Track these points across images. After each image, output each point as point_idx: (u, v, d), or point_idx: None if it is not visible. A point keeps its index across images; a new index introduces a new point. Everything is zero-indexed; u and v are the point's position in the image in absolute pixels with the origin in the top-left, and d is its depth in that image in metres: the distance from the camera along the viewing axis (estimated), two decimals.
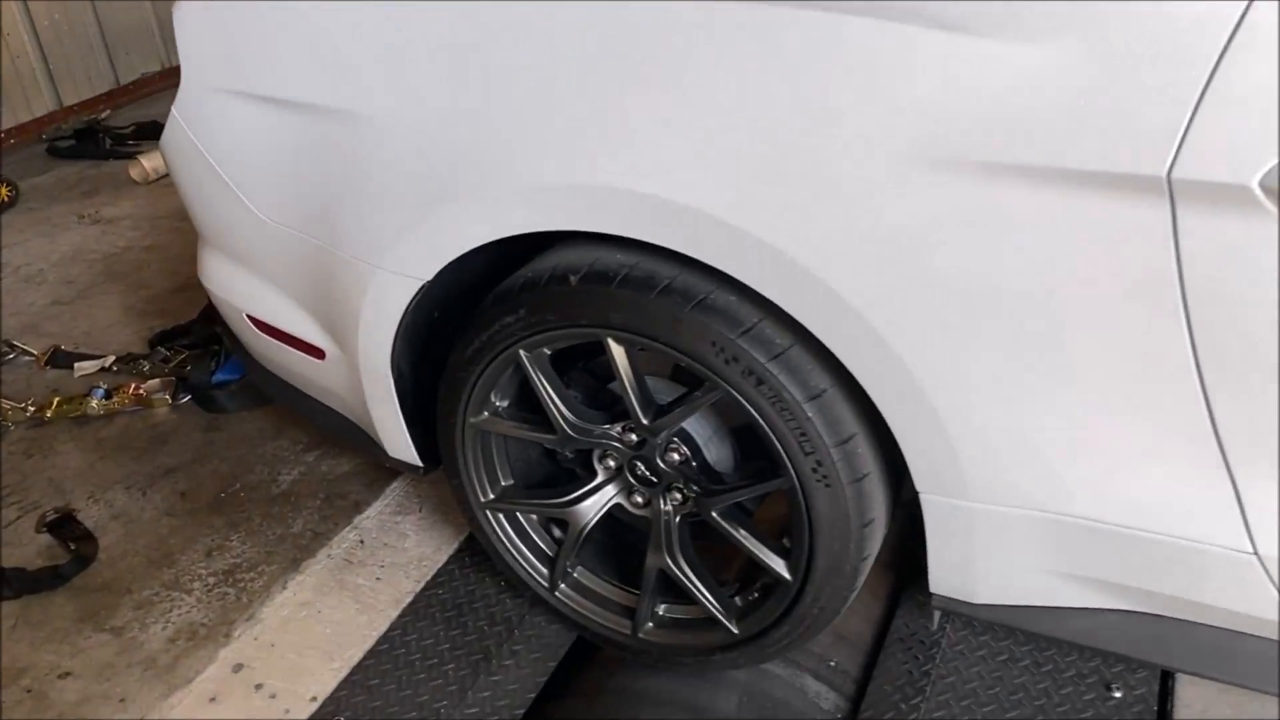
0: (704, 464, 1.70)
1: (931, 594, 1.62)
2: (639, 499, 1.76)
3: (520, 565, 1.89)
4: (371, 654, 1.98)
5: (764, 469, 1.61)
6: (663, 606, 1.83)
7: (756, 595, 1.71)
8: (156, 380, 2.82)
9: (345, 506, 2.36)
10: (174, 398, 2.77)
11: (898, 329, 1.35)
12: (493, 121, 1.47)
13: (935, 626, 1.93)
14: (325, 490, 2.41)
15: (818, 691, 1.83)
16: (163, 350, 2.94)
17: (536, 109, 1.42)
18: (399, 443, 1.95)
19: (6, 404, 2.73)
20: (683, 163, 1.35)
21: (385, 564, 2.19)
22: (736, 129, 1.30)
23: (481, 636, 2.00)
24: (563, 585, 1.88)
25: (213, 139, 1.88)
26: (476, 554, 2.19)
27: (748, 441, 1.73)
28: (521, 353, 1.65)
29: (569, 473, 1.92)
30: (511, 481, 1.86)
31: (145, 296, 3.38)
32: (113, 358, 2.97)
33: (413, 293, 1.69)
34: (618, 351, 1.58)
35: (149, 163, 4.31)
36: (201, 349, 2.93)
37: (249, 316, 2.07)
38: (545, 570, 1.89)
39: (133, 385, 2.79)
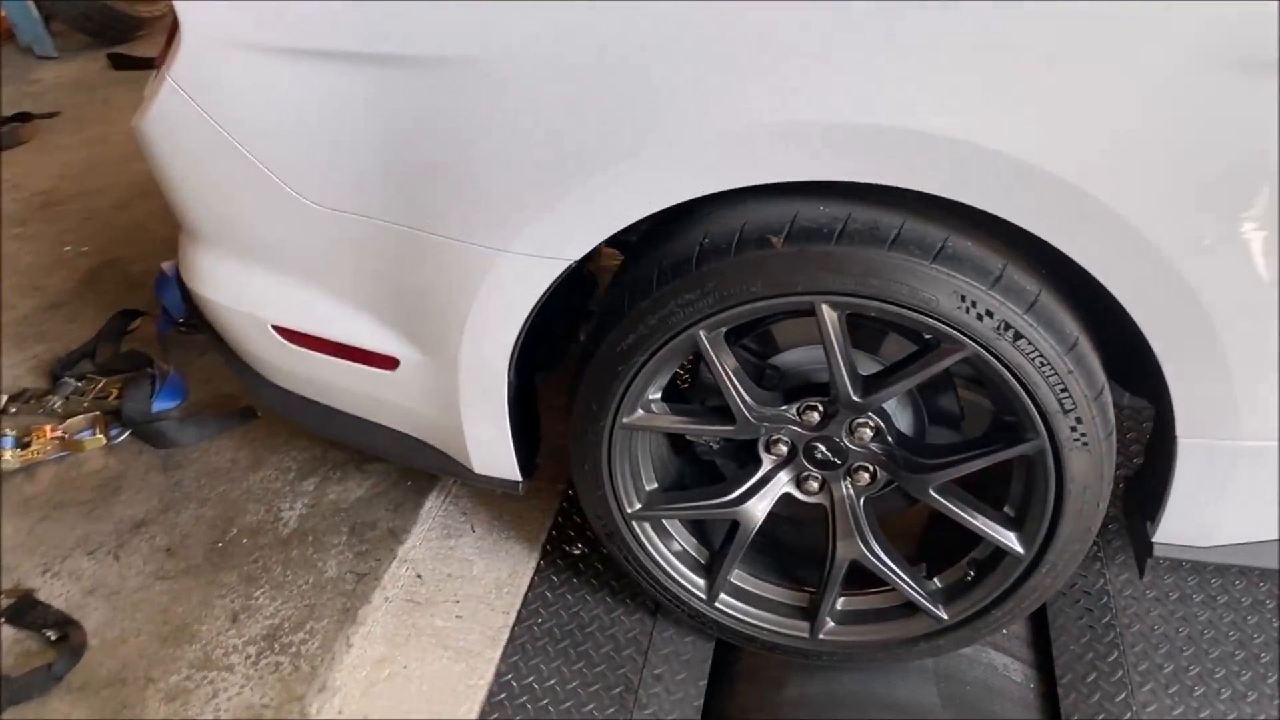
0: (900, 436, 1.50)
1: (1154, 543, 1.50)
2: (813, 485, 1.55)
3: (672, 579, 1.64)
4: (491, 707, 1.68)
5: (995, 434, 1.43)
6: (840, 600, 1.63)
7: (971, 575, 1.53)
8: (79, 417, 2.34)
9: (379, 537, 2.01)
10: (107, 436, 2.30)
11: (1197, 262, 1.20)
12: (705, 54, 1.19)
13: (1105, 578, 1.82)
14: (346, 521, 2.06)
15: (1005, 664, 1.69)
16: (72, 381, 2.44)
17: (772, 34, 1.16)
18: (498, 457, 1.65)
19: None
20: (957, 93, 1.14)
21: (460, 598, 1.88)
22: (1016, 47, 1.10)
23: (613, 665, 1.73)
24: (722, 594, 1.64)
25: (233, 110, 1.50)
26: (562, 571, 1.92)
27: (932, 406, 1.55)
28: (701, 334, 1.39)
29: (705, 468, 1.68)
30: (655, 485, 1.61)
31: (8, 319, 2.82)
32: (4, 397, 2.44)
33: (553, 277, 1.41)
34: (831, 320, 1.35)
35: None
36: (125, 373, 2.45)
37: (276, 328, 1.69)
38: (702, 580, 1.65)
39: (48, 427, 2.30)
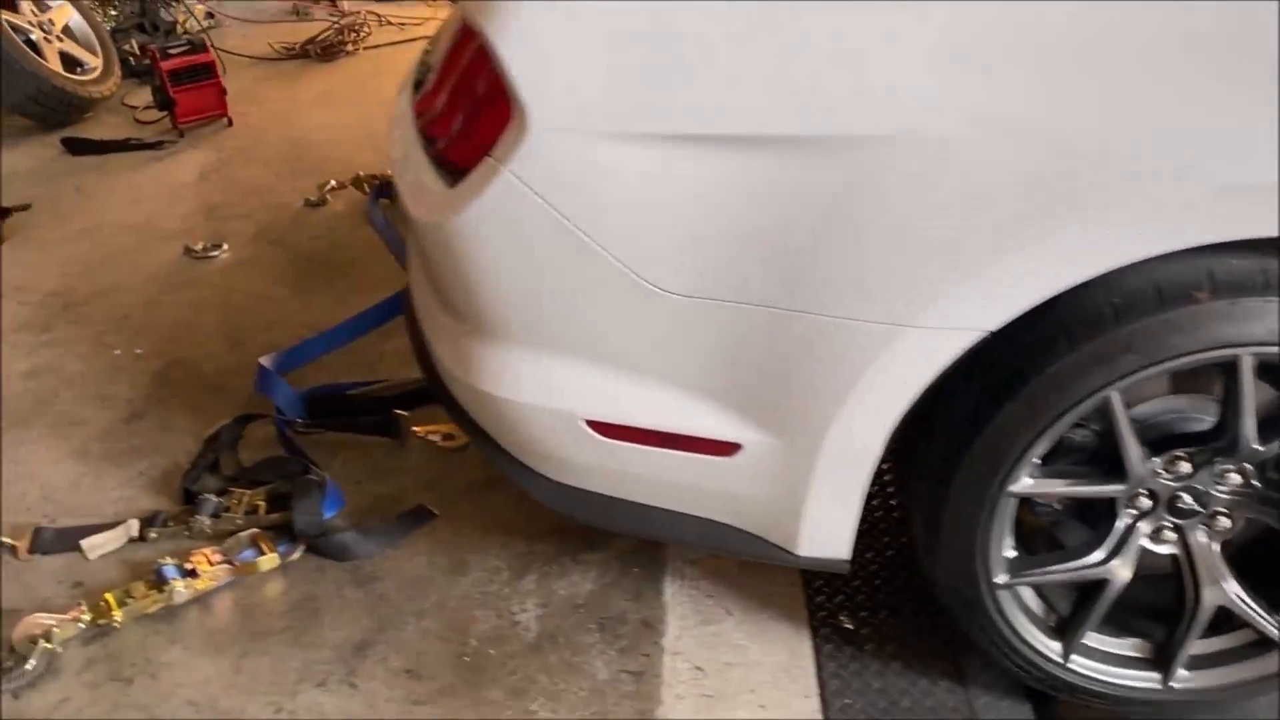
0: (1267, 478, 1.53)
1: None
2: (1169, 535, 1.56)
3: (1027, 644, 1.62)
4: None
5: None
6: None
7: None
8: (239, 537, 2.15)
9: (634, 631, 1.92)
10: (277, 554, 2.12)
11: None
12: (1200, 112, 1.20)
13: None
14: (590, 618, 1.95)
15: None
16: (213, 498, 2.24)
17: None
18: (833, 537, 1.61)
19: (45, 620, 1.95)
20: None
21: (753, 687, 1.80)
22: None
23: None
24: (1074, 655, 1.63)
25: (583, 202, 1.42)
26: (842, 646, 1.87)
27: None
28: (1114, 396, 1.39)
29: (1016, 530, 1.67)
30: (1015, 553, 1.58)
31: (88, 435, 2.57)
32: (135, 523, 2.22)
33: (962, 349, 1.38)
34: (1248, 369, 1.37)
35: None
36: (265, 483, 2.27)
37: (590, 422, 1.59)
38: (1055, 643, 1.63)
39: (208, 551, 2.10)
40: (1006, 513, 1.52)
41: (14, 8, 4.53)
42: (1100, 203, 1.24)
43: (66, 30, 4.77)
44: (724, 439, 1.55)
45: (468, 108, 1.53)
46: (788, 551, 1.65)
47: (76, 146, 4.39)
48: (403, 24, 5.96)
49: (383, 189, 3.64)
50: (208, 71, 4.35)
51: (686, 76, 1.32)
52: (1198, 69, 1.19)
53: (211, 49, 4.47)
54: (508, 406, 1.63)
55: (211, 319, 3.06)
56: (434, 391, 1.80)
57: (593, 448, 1.62)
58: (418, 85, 1.84)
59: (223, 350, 2.89)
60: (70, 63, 4.70)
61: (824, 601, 1.96)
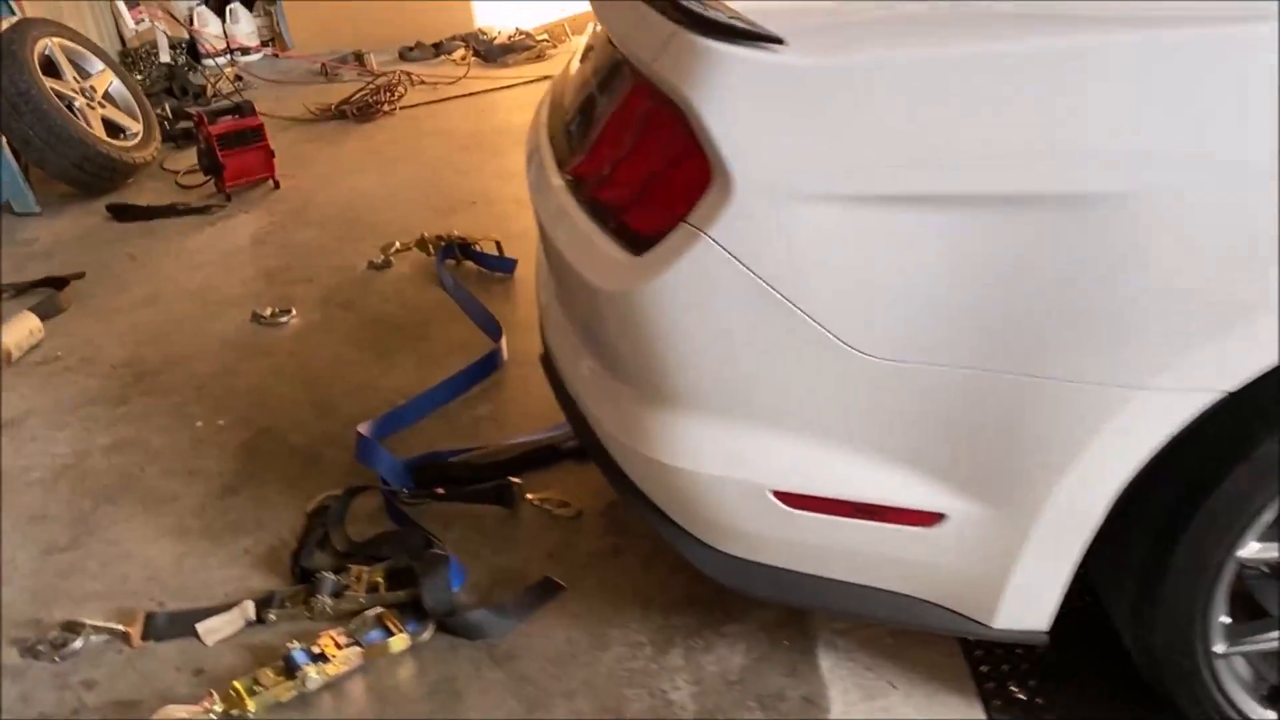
0: None
1: None
2: None
3: (1242, 716, 1.55)
4: None
5: None
6: None
7: None
8: (364, 617, 2.06)
9: (796, 709, 1.84)
10: (406, 634, 2.03)
11: None
12: None
13: None
14: (746, 695, 1.87)
15: None
16: (330, 577, 2.15)
17: None
18: (1035, 608, 1.55)
19: (177, 713, 1.86)
20: None
21: None
22: None
23: None
24: None
25: (786, 265, 1.37)
26: (1019, 717, 1.79)
27: None
28: None
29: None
30: (1230, 620, 1.51)
31: (182, 511, 2.49)
32: (251, 604, 2.13)
33: (1199, 410, 1.32)
34: None
35: (9, 337, 3.23)
36: (381, 560, 2.18)
37: (777, 493, 1.53)
38: (1271, 713, 1.56)
39: (333, 634, 2.01)
40: (1228, 578, 1.45)
41: (57, 74, 4.50)
42: None
43: (108, 96, 4.75)
44: (926, 509, 1.49)
45: (652, 172, 1.48)
46: (982, 624, 1.58)
47: (122, 213, 4.34)
48: (435, 83, 5.96)
49: (449, 249, 3.58)
50: (256, 135, 4.32)
51: (902, 134, 1.28)
52: None
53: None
54: (686, 477, 1.57)
55: (292, 386, 2.99)
56: (592, 457, 1.74)
57: (778, 520, 1.55)
58: (559, 146, 1.80)
59: (309, 419, 2.81)
60: (112, 128, 4.66)
61: (990, 671, 1.88)
